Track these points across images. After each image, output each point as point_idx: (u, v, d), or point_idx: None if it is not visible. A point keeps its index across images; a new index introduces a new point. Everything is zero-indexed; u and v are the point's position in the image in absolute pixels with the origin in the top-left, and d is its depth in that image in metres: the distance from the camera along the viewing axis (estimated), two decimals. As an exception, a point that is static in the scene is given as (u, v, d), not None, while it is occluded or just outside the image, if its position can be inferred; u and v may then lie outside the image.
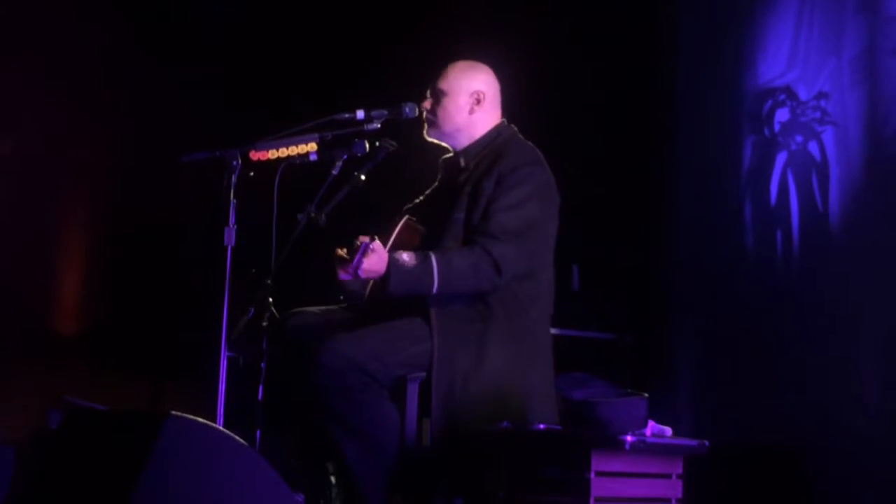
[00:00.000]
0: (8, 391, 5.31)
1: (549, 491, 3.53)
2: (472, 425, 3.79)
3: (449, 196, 4.10)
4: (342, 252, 3.84)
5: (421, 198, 4.29)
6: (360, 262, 3.68)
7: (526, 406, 3.88)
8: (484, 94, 4.12)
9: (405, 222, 4.16)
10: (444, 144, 4.19)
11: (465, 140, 4.13)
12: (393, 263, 3.79)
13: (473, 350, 3.89)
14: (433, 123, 4.13)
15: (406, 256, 3.81)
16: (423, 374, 3.91)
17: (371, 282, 4.00)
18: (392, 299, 3.86)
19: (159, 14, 5.98)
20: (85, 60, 5.81)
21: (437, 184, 4.27)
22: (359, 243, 3.70)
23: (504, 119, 4.17)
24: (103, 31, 5.87)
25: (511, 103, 4.25)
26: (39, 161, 5.67)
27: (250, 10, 6.12)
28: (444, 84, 4.12)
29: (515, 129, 4.17)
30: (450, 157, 4.22)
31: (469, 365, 3.87)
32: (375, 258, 3.76)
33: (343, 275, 3.82)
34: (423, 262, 3.82)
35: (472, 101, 4.11)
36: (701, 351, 5.73)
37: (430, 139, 4.18)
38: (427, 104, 4.13)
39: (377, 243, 3.75)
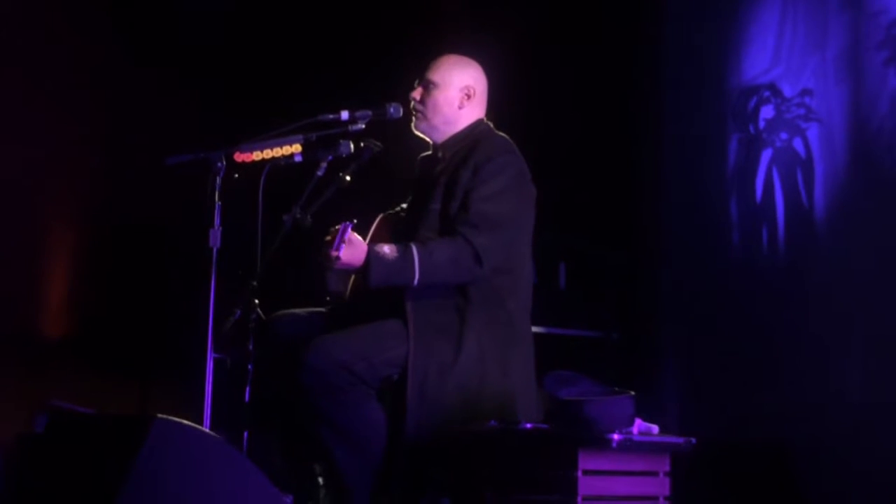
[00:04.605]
0: (-7, 394, 5.29)
1: (536, 490, 3.53)
2: (450, 420, 3.79)
3: (425, 188, 4.10)
4: (327, 238, 3.84)
5: (410, 198, 4.29)
6: (339, 244, 3.67)
7: (506, 399, 3.88)
8: (474, 90, 4.13)
9: (381, 218, 4.18)
10: (427, 139, 4.19)
11: (448, 133, 4.14)
12: (373, 255, 3.79)
13: (450, 343, 3.88)
14: (422, 114, 4.12)
15: (387, 248, 3.81)
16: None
17: (352, 279, 4.00)
18: (373, 291, 3.85)
19: (143, 14, 5.96)
20: (67, 61, 5.79)
21: (415, 181, 4.27)
22: (337, 228, 3.70)
23: (482, 115, 4.18)
24: (87, 31, 5.84)
25: (495, 101, 4.26)
26: (23, 164, 5.65)
27: (234, 11, 6.10)
28: (435, 76, 4.12)
29: (490, 124, 4.17)
30: (427, 155, 4.23)
31: (446, 359, 3.86)
32: (353, 250, 3.76)
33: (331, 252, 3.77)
34: (404, 253, 3.82)
35: (462, 96, 4.12)
36: (687, 348, 5.74)
37: (417, 132, 4.17)
38: (416, 94, 4.13)
39: (356, 236, 3.75)
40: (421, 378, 3.84)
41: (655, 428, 3.65)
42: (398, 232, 4.12)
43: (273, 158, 4.00)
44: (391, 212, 4.30)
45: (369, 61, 5.94)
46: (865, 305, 4.98)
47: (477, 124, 4.15)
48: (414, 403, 3.83)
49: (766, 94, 5.54)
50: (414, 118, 4.14)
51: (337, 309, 4.10)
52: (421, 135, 4.18)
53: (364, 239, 4.06)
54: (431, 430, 3.80)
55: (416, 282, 3.84)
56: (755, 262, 5.51)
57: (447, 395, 3.83)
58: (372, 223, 4.22)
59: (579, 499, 3.43)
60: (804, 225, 5.32)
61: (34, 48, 5.69)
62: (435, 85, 4.11)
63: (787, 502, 5.05)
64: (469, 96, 4.12)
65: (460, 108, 4.12)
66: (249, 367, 3.85)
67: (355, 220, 3.76)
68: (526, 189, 4.07)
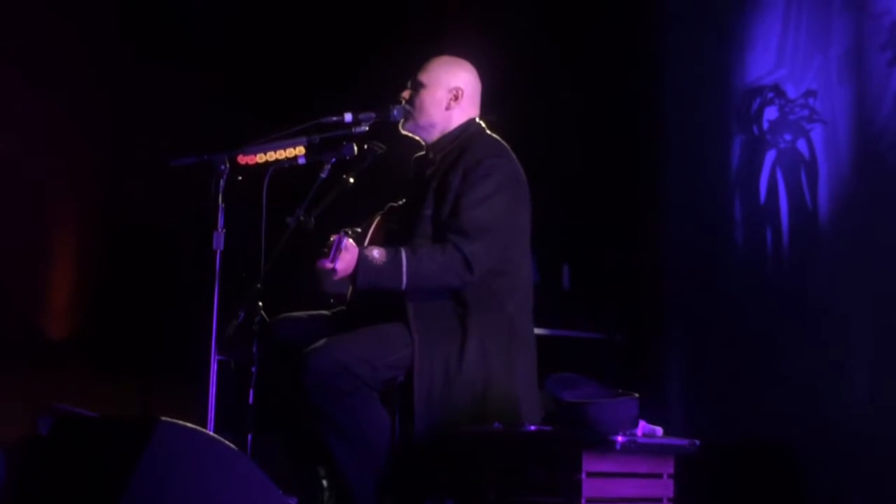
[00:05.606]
0: (-3, 397, 5.29)
1: (540, 492, 3.53)
2: (455, 423, 3.79)
3: (418, 192, 4.10)
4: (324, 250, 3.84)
5: (403, 199, 4.29)
6: (335, 256, 3.67)
7: (511, 401, 3.87)
8: (462, 91, 4.11)
9: (378, 221, 4.18)
10: (417, 138, 4.18)
11: (437, 135, 4.13)
12: (361, 258, 3.80)
13: (454, 347, 3.88)
14: (409, 115, 4.11)
15: (376, 252, 3.81)
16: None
17: (352, 284, 4.00)
18: (366, 294, 3.85)
19: (146, 15, 5.96)
20: (72, 62, 5.80)
21: (409, 182, 4.27)
22: (332, 239, 3.71)
23: (475, 116, 4.16)
24: (90, 32, 5.85)
25: (495, 101, 4.25)
26: (27, 165, 5.66)
27: (237, 12, 6.11)
28: (424, 76, 4.11)
29: (483, 125, 4.16)
30: (421, 155, 4.22)
31: (451, 362, 3.86)
32: (348, 256, 3.76)
33: (322, 263, 3.77)
34: (393, 257, 3.82)
35: (449, 97, 4.10)
36: (691, 350, 5.74)
37: (404, 132, 4.16)
38: (406, 94, 4.13)
39: (350, 242, 3.75)
40: (427, 383, 3.84)
41: (659, 430, 3.64)
42: (393, 235, 4.11)
43: (276, 161, 4.00)
44: (392, 205, 4.29)
45: (372, 63, 5.94)
46: (869, 306, 4.97)
47: (468, 125, 4.13)
48: (421, 409, 3.83)
49: (770, 95, 5.54)
50: (402, 118, 4.14)
51: (339, 312, 4.11)
52: (409, 134, 4.17)
53: (364, 240, 4.05)
54: (439, 433, 3.80)
55: (403, 286, 3.84)
56: (759, 264, 5.51)
57: (454, 398, 3.84)
58: (372, 225, 4.22)
59: (583, 501, 3.43)
60: (808, 226, 5.32)
61: (35, 48, 5.70)
62: (423, 85, 4.10)
63: (790, 504, 5.05)
64: (457, 97, 4.10)
65: (447, 108, 4.10)
66: (253, 369, 3.85)
67: (349, 231, 3.76)
68: (518, 190, 4.05)
